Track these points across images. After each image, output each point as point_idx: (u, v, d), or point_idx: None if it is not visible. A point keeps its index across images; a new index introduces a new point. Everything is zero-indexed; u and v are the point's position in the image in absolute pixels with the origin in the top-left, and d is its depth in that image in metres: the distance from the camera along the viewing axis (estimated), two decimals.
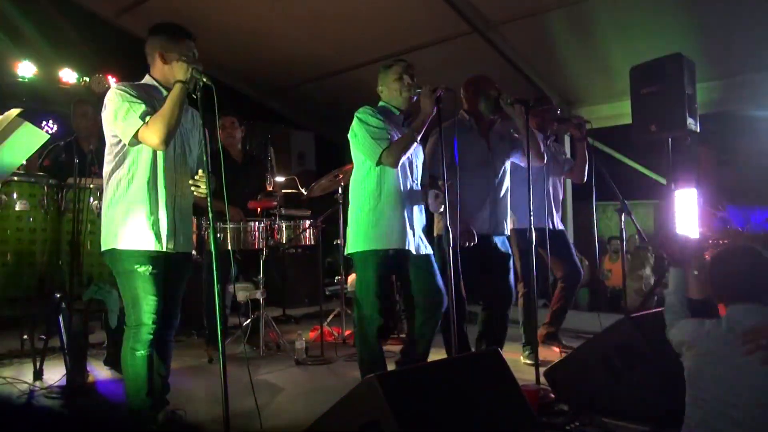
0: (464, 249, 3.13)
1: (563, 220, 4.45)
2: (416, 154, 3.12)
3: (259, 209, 4.27)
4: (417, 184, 3.11)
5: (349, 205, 3.08)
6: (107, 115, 2.47)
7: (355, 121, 2.98)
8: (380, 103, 3.12)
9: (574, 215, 6.32)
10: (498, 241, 3.55)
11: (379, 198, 2.96)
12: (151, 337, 2.46)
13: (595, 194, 3.89)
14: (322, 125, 8.12)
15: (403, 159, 2.92)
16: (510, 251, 3.63)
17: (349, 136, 3.03)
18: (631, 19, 4.86)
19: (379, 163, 2.90)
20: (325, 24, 5.62)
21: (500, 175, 3.54)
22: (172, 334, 2.71)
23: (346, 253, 3.10)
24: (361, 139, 2.95)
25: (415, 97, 3.00)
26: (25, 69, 5.35)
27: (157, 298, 2.47)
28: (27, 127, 2.75)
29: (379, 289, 2.92)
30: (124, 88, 2.47)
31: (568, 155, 4.60)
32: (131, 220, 2.47)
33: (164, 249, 2.52)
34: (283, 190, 5.04)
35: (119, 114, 2.41)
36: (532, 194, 3.14)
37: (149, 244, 2.48)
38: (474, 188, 3.39)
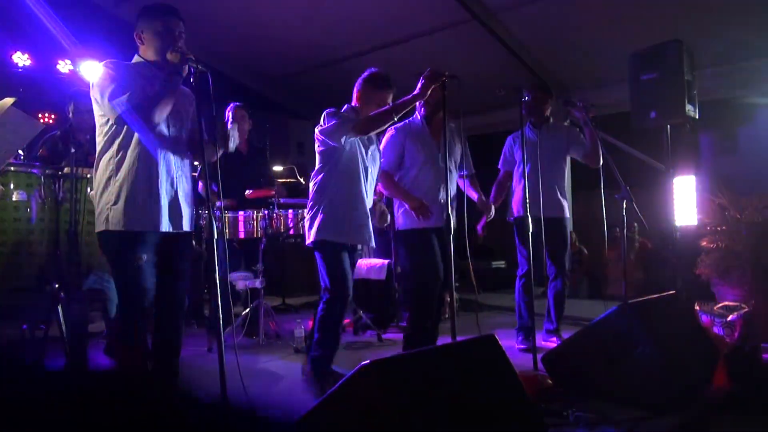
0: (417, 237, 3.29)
1: None
2: (372, 158, 3.18)
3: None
4: (371, 184, 3.18)
5: (309, 200, 3.12)
6: (94, 93, 2.41)
7: (322, 118, 3.03)
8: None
9: (576, 204, 6.28)
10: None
11: (336, 197, 3.02)
12: (140, 317, 2.43)
13: (601, 182, 3.83)
14: (320, 114, 8.09)
15: (372, 134, 3.03)
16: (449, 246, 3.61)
17: (316, 132, 3.06)
18: (631, 5, 4.82)
19: (347, 132, 2.93)
20: (323, 13, 5.59)
21: (451, 173, 3.45)
22: (180, 316, 2.64)
23: (308, 242, 3.11)
24: (328, 124, 2.98)
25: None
26: (21, 59, 5.33)
27: (149, 281, 2.43)
28: (21, 116, 2.74)
29: (343, 271, 2.99)
30: (111, 65, 2.42)
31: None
32: (123, 201, 2.39)
33: (162, 230, 2.47)
34: (282, 180, 5.04)
35: (106, 92, 2.35)
36: (528, 183, 3.14)
37: (144, 225, 2.42)
38: (423, 186, 3.36)
